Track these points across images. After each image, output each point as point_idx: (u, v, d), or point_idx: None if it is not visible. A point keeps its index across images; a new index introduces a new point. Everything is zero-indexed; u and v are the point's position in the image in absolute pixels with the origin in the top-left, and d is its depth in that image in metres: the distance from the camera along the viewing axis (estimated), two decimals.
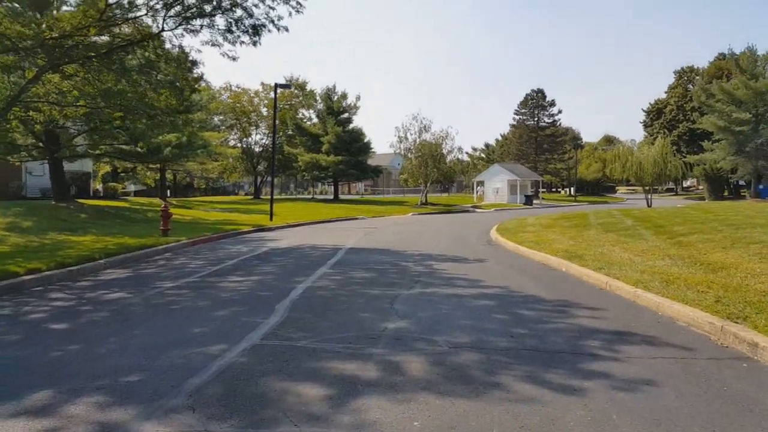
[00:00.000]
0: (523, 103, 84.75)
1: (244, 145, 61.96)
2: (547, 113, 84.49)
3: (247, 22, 14.95)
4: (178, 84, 16.61)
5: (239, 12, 14.75)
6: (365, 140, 58.10)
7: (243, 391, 4.38)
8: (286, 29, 15.47)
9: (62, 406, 4.13)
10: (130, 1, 13.76)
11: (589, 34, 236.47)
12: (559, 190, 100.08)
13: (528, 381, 4.59)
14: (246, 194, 75.17)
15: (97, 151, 29.78)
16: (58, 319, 7.05)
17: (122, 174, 53.78)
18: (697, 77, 77.34)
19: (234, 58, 15.88)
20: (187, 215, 29.35)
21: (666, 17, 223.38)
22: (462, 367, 4.95)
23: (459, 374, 4.76)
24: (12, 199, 28.06)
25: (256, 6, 14.72)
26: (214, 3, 14.30)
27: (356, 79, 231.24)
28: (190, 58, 16.69)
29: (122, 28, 14.86)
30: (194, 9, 14.29)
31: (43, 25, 13.57)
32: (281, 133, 60.92)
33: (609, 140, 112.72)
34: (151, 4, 13.85)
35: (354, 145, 56.37)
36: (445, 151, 53.75)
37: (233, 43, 15.23)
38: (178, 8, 14.19)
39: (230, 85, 62.06)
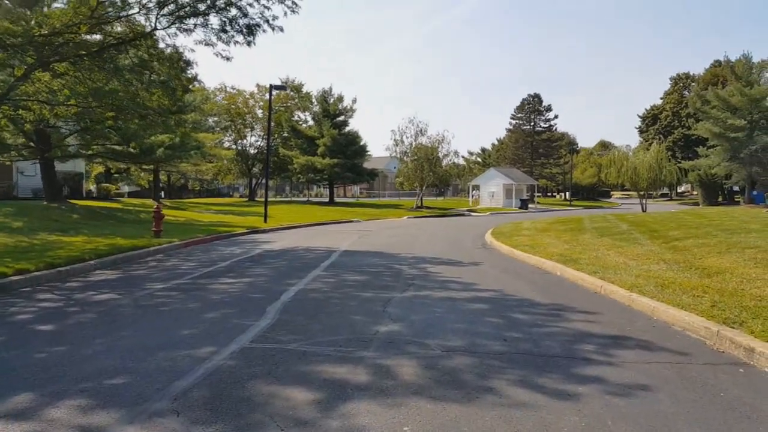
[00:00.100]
0: (520, 108, 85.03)
1: (239, 147, 61.79)
2: (543, 118, 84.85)
3: (242, 21, 14.84)
4: (171, 84, 16.47)
5: (234, 11, 14.65)
6: (361, 143, 57.98)
7: (230, 394, 4.27)
8: (281, 29, 15.36)
9: (43, 409, 4.01)
10: None
11: (586, 40, 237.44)
12: (554, 194, 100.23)
13: (521, 386, 4.50)
14: (241, 196, 75.02)
15: (89, 152, 29.57)
16: (44, 320, 6.92)
17: (116, 175, 53.61)
18: (693, 84, 77.81)
19: (228, 58, 15.77)
20: (180, 217, 29.19)
21: (662, 24, 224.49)
22: (454, 371, 4.86)
23: (451, 378, 4.66)
24: (2, 200, 27.81)
25: (250, 5, 14.61)
26: (209, 2, 14.19)
27: (352, 83, 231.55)
28: (184, 58, 16.58)
29: (114, 27, 14.71)
30: (188, 8, 14.18)
31: (32, 22, 13.42)
32: (276, 135, 60.80)
33: (604, 145, 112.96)
34: (144, 2, 13.71)
35: (350, 148, 56.24)
36: (441, 155, 53.69)
37: (227, 43, 15.12)
38: (171, 7, 14.07)
39: (225, 86, 62.04)
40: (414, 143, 52.82)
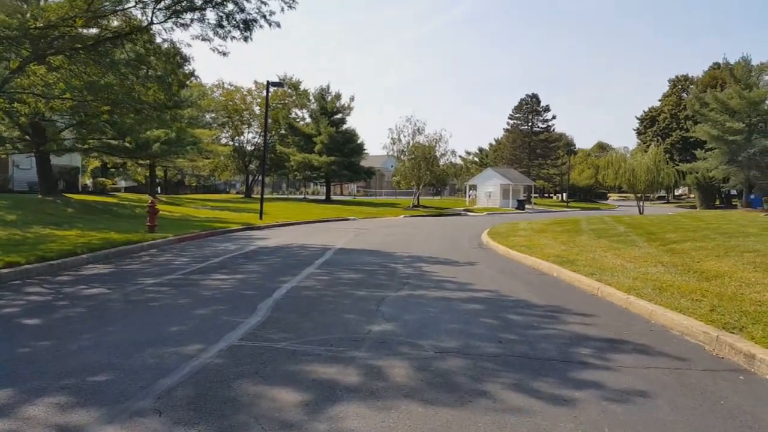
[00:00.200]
0: (518, 108, 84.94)
1: (236, 144, 61.53)
2: (541, 118, 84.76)
3: (239, 16, 14.72)
4: (168, 79, 16.32)
5: (230, 6, 14.53)
6: (358, 141, 57.77)
7: (215, 394, 4.14)
8: (278, 25, 15.21)
9: (21, 406, 3.88)
10: None
11: (586, 41, 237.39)
12: (551, 195, 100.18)
13: (516, 390, 4.38)
14: (237, 193, 74.74)
15: (85, 146, 29.38)
16: (32, 313, 6.79)
17: (112, 169, 53.38)
18: (692, 86, 77.79)
19: (224, 53, 15.64)
20: (176, 212, 29.01)
21: (662, 26, 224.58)
22: (447, 373, 4.74)
23: (444, 381, 4.54)
24: None
25: (247, 0, 14.49)
26: None
27: (352, 82, 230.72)
28: (181, 53, 16.45)
29: (110, 21, 14.56)
30: (184, 2, 14.03)
31: (28, 15, 13.26)
32: (274, 133, 60.57)
33: (602, 147, 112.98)
34: None
35: (347, 146, 56.05)
36: (438, 154, 53.46)
37: (224, 38, 15.00)
38: (168, 1, 13.93)
39: (223, 83, 61.62)
40: (411, 142, 52.63)
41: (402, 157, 53.65)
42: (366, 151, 60.36)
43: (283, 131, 61.33)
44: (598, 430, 3.70)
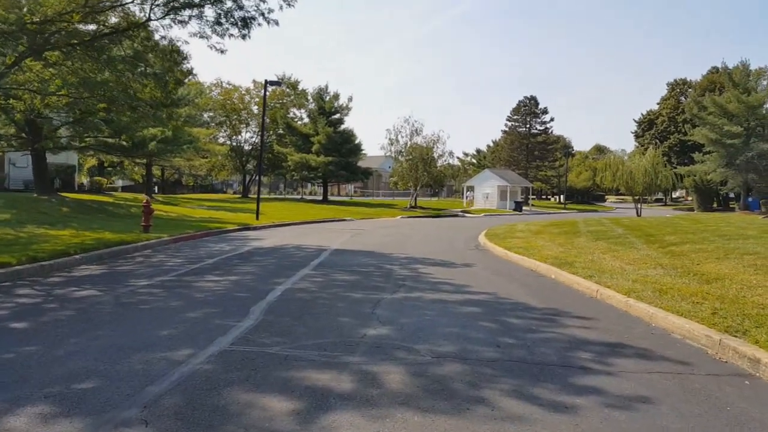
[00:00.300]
0: (516, 110, 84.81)
1: (234, 143, 61.33)
2: (539, 120, 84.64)
3: (237, 14, 14.61)
4: (165, 77, 16.19)
5: (229, 3, 14.42)
6: (356, 142, 57.64)
7: (203, 402, 3.99)
8: (276, 23, 15.12)
9: (0, 417, 3.72)
10: None
11: (584, 45, 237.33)
12: (549, 197, 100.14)
13: (515, 396, 4.25)
14: (234, 193, 74.56)
15: (81, 144, 29.21)
16: (20, 317, 6.63)
17: (109, 168, 53.16)
18: (690, 90, 77.79)
19: (222, 51, 15.49)
20: (172, 212, 28.85)
21: (660, 29, 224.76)
22: (444, 379, 4.60)
23: (441, 387, 4.40)
24: None
25: None
26: None
27: (352, 82, 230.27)
28: (179, 50, 16.28)
29: (108, 16, 14.42)
30: None
31: (25, 9, 13.11)
32: (271, 132, 60.38)
33: (600, 149, 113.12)
34: None
35: (345, 146, 55.90)
36: (436, 155, 53.43)
37: (222, 36, 14.90)
38: None
39: (221, 82, 61.42)
40: (409, 143, 52.57)
41: (400, 157, 53.53)
42: (363, 152, 60.25)
43: (280, 131, 61.19)
44: None
